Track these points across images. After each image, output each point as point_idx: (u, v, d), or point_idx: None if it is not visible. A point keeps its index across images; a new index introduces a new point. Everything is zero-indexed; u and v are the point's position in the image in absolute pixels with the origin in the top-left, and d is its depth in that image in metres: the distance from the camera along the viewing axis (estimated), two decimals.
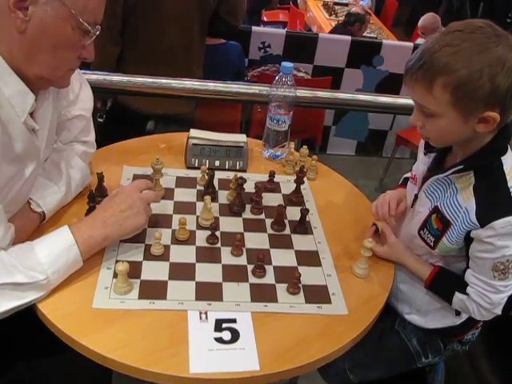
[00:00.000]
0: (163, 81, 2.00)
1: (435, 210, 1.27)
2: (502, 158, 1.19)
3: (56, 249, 1.14)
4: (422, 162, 1.35)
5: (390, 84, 4.02)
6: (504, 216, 1.14)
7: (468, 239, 1.22)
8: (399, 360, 1.47)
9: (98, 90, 2.04)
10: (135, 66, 2.46)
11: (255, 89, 2.00)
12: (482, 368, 1.72)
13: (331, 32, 4.81)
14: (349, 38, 3.92)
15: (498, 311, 1.25)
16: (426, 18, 4.66)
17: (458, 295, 1.27)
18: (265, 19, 6.15)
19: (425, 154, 1.33)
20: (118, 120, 2.56)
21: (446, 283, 1.31)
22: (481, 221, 1.17)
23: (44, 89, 1.22)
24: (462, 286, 1.26)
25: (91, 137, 1.48)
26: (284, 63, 1.60)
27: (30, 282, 1.08)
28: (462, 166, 1.20)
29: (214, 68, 2.82)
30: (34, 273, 1.09)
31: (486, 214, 1.16)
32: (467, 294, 1.25)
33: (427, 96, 1.13)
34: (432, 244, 1.29)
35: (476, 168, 1.20)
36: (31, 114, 1.18)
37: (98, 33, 1.15)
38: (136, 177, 1.55)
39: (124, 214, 1.24)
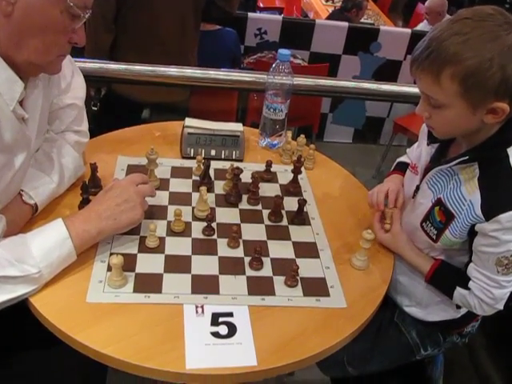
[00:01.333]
0: (159, 69, 1.96)
1: (438, 202, 1.25)
2: (508, 150, 1.16)
3: (49, 242, 1.11)
4: (425, 152, 1.32)
5: (388, 71, 4.00)
6: (510, 209, 1.11)
7: (472, 233, 1.19)
8: (398, 352, 1.45)
9: (92, 79, 2.02)
10: (129, 54, 2.44)
11: (252, 77, 1.96)
12: (481, 359, 1.71)
13: (328, 18, 4.76)
14: (346, 24, 3.88)
15: (500, 306, 1.23)
16: (434, 0, 4.63)
17: (459, 290, 1.25)
18: (261, 5, 6.09)
19: (428, 145, 1.30)
20: (112, 108, 2.53)
21: (447, 278, 1.29)
22: (486, 214, 1.14)
23: (34, 75, 1.19)
24: (464, 281, 1.24)
25: (84, 126, 1.44)
26: (281, 50, 1.57)
27: (21, 276, 1.06)
28: (467, 157, 1.17)
29: (210, 54, 2.79)
30: (27, 266, 1.06)
31: (492, 208, 1.14)
32: (469, 289, 1.23)
33: (434, 86, 1.10)
34: (434, 237, 1.26)
35: (481, 159, 1.17)
36: (21, 103, 1.15)
37: (87, 16, 1.12)
38: (130, 167, 1.52)
39: (119, 208, 1.21)
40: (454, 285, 1.26)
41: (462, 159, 1.18)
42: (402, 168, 1.46)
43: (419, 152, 1.35)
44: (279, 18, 3.99)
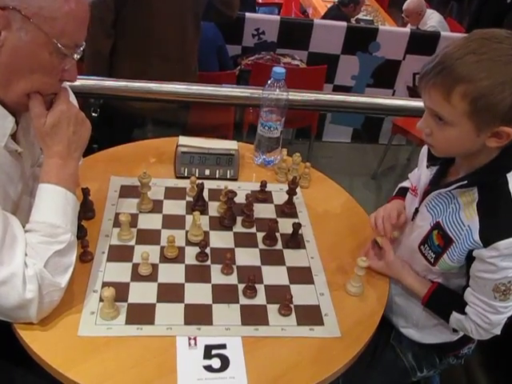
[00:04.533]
0: (154, 85, 1.93)
1: (437, 226, 1.24)
2: (508, 176, 1.15)
3: (57, 206, 1.13)
4: (424, 175, 1.30)
5: (387, 70, 3.97)
6: (508, 237, 1.10)
7: (470, 258, 1.18)
8: (394, 375, 1.44)
9: (86, 96, 2.00)
10: (128, 59, 2.43)
11: (246, 92, 1.94)
12: (477, 377, 1.70)
13: (325, 14, 4.72)
14: (344, 24, 3.84)
15: (497, 331, 1.22)
16: (411, 2, 4.63)
17: (455, 314, 1.24)
18: (259, 0, 6.04)
19: (427, 167, 1.29)
20: (111, 114, 2.51)
21: (444, 302, 1.28)
22: (484, 240, 1.13)
23: (24, 112, 1.17)
24: (460, 306, 1.23)
25: None
26: (275, 69, 1.54)
27: (64, 246, 1.09)
28: (465, 182, 1.16)
29: None
30: (61, 237, 1.10)
31: (490, 234, 1.13)
32: (465, 314, 1.22)
33: (444, 102, 1.08)
34: (432, 260, 1.25)
35: (480, 184, 1.16)
36: (14, 136, 1.14)
37: (79, 54, 1.10)
38: (123, 188, 1.50)
39: (77, 134, 1.18)
40: (450, 309, 1.26)
41: (460, 183, 1.17)
42: (404, 193, 1.44)
43: (419, 174, 1.34)
44: (277, 18, 3.95)
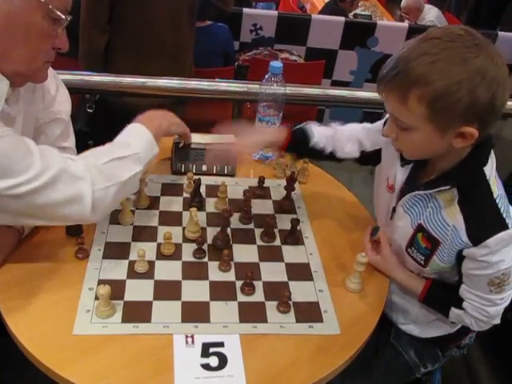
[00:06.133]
0: (150, 80, 1.91)
1: (420, 229, 1.21)
2: (484, 169, 1.12)
3: (135, 134, 1.30)
4: (400, 173, 1.27)
5: None
6: (496, 233, 1.09)
7: (460, 257, 1.17)
8: (398, 373, 1.43)
9: (82, 91, 1.98)
10: (124, 55, 2.41)
11: (244, 87, 1.92)
12: (479, 373, 1.69)
13: (322, 9, 4.69)
14: (342, 19, 3.81)
15: (497, 321, 1.22)
16: None
17: (453, 310, 1.23)
18: None
19: (401, 166, 1.25)
20: (107, 110, 2.49)
21: (441, 298, 1.27)
22: (473, 240, 1.12)
23: (20, 85, 1.16)
24: (458, 301, 1.22)
25: (70, 142, 1.41)
26: (273, 63, 1.53)
27: (129, 155, 1.22)
28: (448, 187, 1.13)
29: (202, 51, 2.74)
30: (128, 149, 1.23)
31: (478, 233, 1.11)
32: (463, 309, 1.21)
33: (401, 108, 1.05)
34: (423, 262, 1.24)
35: (461, 183, 1.14)
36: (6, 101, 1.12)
37: (69, 19, 1.10)
38: None
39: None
40: (448, 305, 1.24)
41: (442, 188, 1.14)
42: (302, 136, 1.46)
43: (394, 172, 1.28)
44: (275, 13, 3.92)
